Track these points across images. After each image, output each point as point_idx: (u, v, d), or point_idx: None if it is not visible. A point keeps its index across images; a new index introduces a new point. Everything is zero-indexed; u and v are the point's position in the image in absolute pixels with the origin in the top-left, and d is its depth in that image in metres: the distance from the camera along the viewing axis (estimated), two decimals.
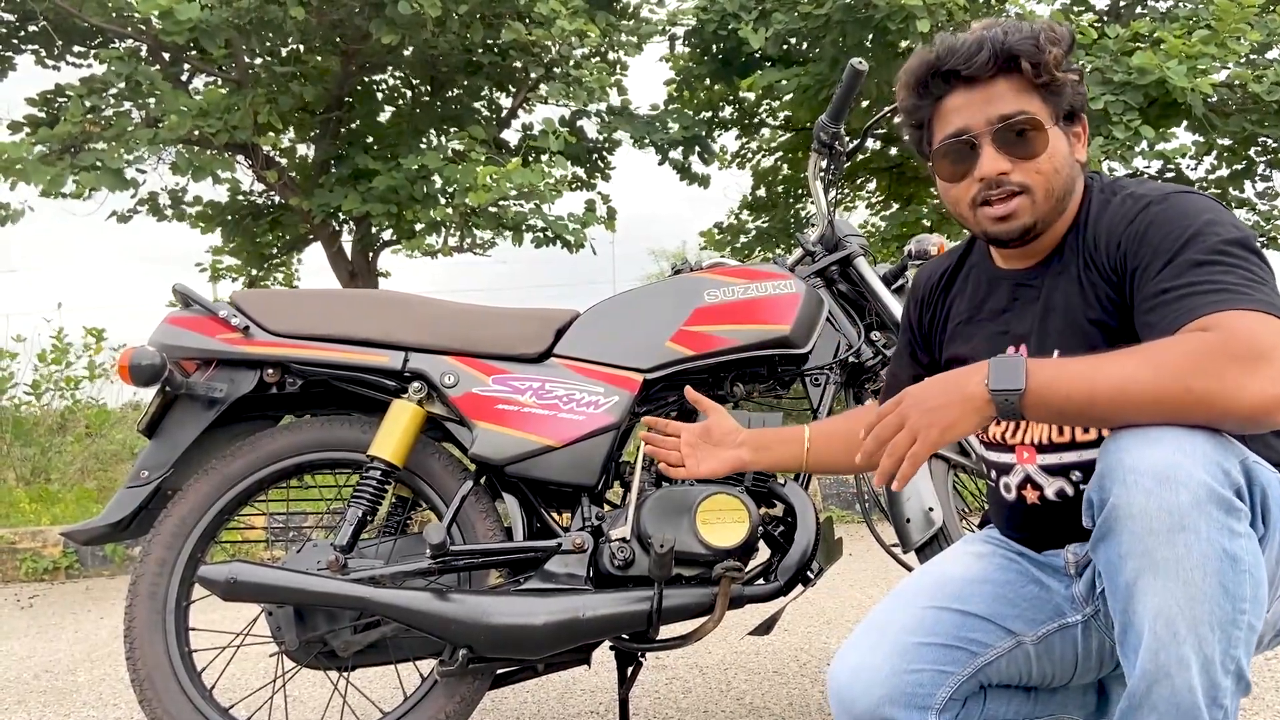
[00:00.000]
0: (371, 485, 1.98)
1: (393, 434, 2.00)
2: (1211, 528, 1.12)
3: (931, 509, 1.94)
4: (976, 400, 1.25)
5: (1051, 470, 1.47)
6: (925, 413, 1.27)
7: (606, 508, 2.10)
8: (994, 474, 1.59)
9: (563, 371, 2.05)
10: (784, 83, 7.56)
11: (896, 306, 2.23)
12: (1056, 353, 1.42)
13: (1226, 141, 7.77)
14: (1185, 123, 7.29)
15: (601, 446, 2.02)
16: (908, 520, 1.96)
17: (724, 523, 1.92)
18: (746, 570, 1.96)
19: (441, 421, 2.07)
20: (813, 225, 2.42)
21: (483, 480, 2.05)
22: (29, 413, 9.86)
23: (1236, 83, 7.01)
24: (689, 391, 1.89)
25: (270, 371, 2.05)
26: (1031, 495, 1.50)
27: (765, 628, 2.01)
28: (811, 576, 1.97)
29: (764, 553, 2.02)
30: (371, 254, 7.17)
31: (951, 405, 1.26)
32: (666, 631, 1.96)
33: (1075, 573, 1.47)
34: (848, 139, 2.29)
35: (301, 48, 7.43)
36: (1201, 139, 7.60)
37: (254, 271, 8.10)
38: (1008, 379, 1.24)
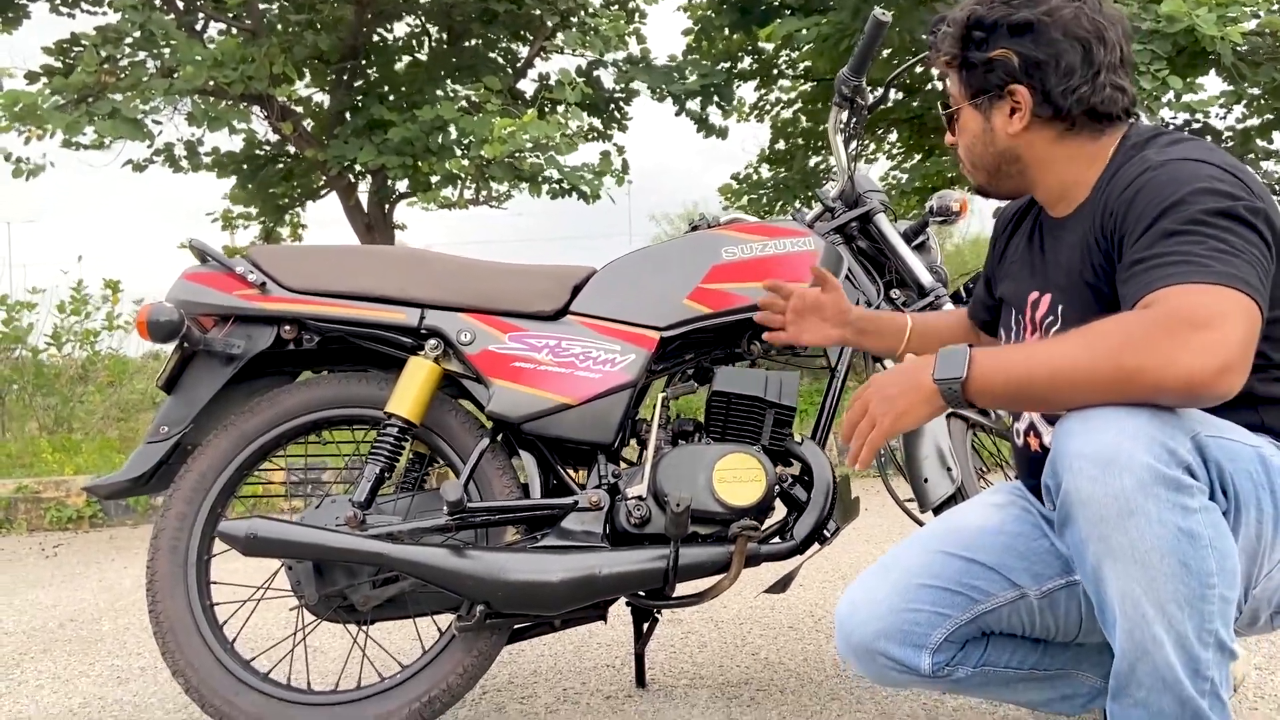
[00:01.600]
0: (389, 442, 1.99)
1: (409, 391, 2.00)
2: (1162, 508, 1.13)
3: (950, 469, 1.94)
4: (925, 390, 1.29)
5: (1050, 419, 1.49)
6: (882, 400, 1.33)
7: (623, 465, 2.10)
8: (1011, 419, 1.60)
9: (579, 329, 2.04)
10: (804, 32, 7.43)
11: (917, 264, 2.21)
12: (1061, 309, 1.43)
13: (1256, 91, 7.61)
14: (1214, 71, 7.14)
15: (618, 404, 2.01)
16: (925, 480, 1.95)
17: (740, 481, 1.92)
18: (763, 529, 1.96)
19: (458, 378, 2.07)
20: (833, 180, 2.39)
21: (499, 437, 2.05)
22: (50, 363, 9.95)
23: (1267, 31, 6.86)
24: (814, 268, 1.87)
25: (287, 328, 2.05)
26: (1034, 443, 1.53)
27: (781, 586, 2.01)
28: (828, 535, 1.97)
29: (780, 511, 2.02)
30: (388, 206, 7.14)
31: (905, 394, 1.31)
32: (682, 589, 1.97)
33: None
34: (869, 92, 2.25)
35: None
36: (1231, 88, 7.45)
37: (269, 222, 8.09)
38: (949, 369, 1.27)
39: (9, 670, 2.72)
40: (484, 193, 7.05)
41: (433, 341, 2.03)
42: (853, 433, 1.36)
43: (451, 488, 1.88)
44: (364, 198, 7.14)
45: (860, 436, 1.34)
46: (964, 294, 2.25)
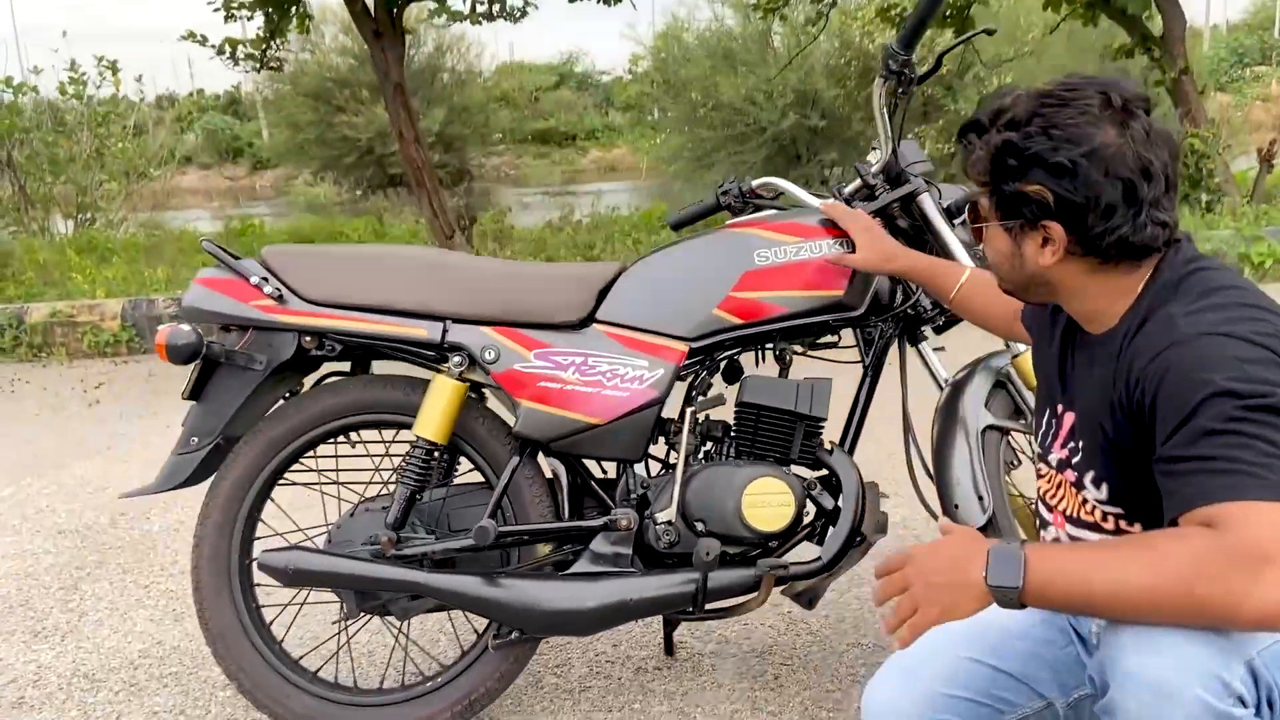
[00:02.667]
0: (418, 464, 1.99)
1: (435, 412, 1.98)
2: None
3: (982, 498, 1.93)
4: (975, 589, 1.23)
5: (1079, 523, 1.46)
6: (928, 587, 1.26)
7: (653, 468, 2.10)
8: (1038, 521, 1.57)
9: (605, 342, 1.99)
10: None
11: (960, 250, 2.10)
12: (1082, 444, 1.38)
13: None
14: None
15: (645, 421, 1.99)
16: (956, 506, 1.95)
17: (769, 506, 1.93)
18: (792, 542, 2.00)
19: (484, 388, 2.05)
20: (875, 150, 2.24)
21: (529, 450, 2.05)
22: (61, 150, 9.84)
23: None
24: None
25: (308, 339, 2.01)
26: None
27: (808, 601, 2.06)
28: (858, 546, 1.99)
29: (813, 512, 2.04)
30: (395, 10, 6.74)
31: (953, 588, 1.24)
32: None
33: (1100, 645, 1.49)
34: (917, 65, 2.06)
35: None
36: None
37: (273, 15, 7.65)
38: (1005, 575, 1.20)
39: (68, 594, 2.87)
40: (496, 5, 6.63)
41: (457, 358, 1.99)
42: (885, 599, 1.33)
43: (483, 532, 1.90)
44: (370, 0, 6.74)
45: (902, 614, 1.31)
46: None
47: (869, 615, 2.50)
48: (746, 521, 1.92)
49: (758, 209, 2.26)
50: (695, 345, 2.00)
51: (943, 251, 2.11)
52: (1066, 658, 1.50)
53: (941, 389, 2.19)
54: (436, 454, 2.01)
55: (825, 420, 2.03)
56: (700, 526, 1.95)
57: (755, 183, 2.27)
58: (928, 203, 2.13)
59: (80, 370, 5.88)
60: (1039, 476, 1.52)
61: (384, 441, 2.16)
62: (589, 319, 2.02)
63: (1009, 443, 2.13)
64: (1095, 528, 1.39)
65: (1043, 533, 1.53)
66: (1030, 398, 2.10)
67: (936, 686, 1.48)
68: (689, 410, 2.02)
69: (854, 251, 1.98)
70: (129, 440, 4.38)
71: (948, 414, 2.06)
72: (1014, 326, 1.79)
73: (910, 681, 1.51)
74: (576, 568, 1.97)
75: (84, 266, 7.49)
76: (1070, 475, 1.41)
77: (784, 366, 2.11)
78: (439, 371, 2.00)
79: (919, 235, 2.17)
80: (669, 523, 1.96)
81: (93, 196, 10.09)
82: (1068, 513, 1.43)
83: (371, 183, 14.68)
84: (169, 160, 12.21)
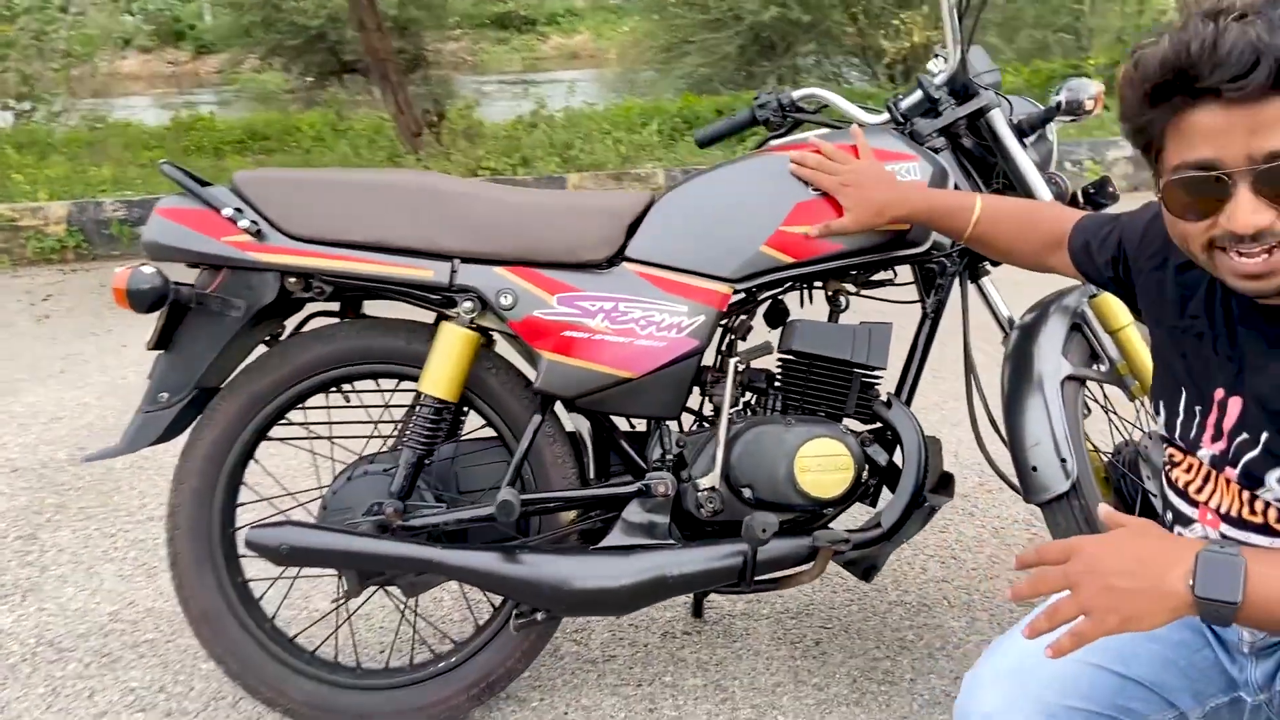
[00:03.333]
0: (425, 424, 1.75)
1: (444, 365, 1.73)
2: None
3: (1065, 460, 1.71)
4: (1175, 599, 1.00)
5: (1235, 522, 1.25)
6: (1104, 591, 1.02)
7: (689, 424, 1.87)
8: (1169, 515, 1.36)
9: (637, 283, 1.73)
10: None
11: (1035, 176, 1.85)
12: (1265, 437, 1.14)
13: None
14: None
15: (684, 373, 1.75)
16: (1035, 469, 1.74)
17: (825, 471, 1.71)
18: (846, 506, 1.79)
19: (499, 335, 1.80)
20: (937, 58, 1.96)
21: (550, 407, 1.80)
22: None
23: None
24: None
25: (293, 280, 1.74)
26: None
27: (866, 573, 1.86)
28: (923, 511, 1.79)
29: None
30: None
31: (1142, 595, 1.01)
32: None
33: (1250, 653, 1.30)
34: None
35: None
36: None
37: None
38: (1222, 587, 0.98)
39: (26, 545, 2.62)
40: None
41: (467, 303, 1.72)
42: (1034, 593, 1.11)
43: (506, 506, 1.67)
44: None
45: (1059, 618, 1.05)
46: (1081, 198, 1.92)
47: (907, 569, 2.32)
48: (801, 488, 1.71)
49: (797, 124, 2.00)
50: (739, 287, 1.76)
51: (1015, 176, 1.86)
52: (1203, 662, 1.31)
53: (1006, 332, 1.97)
54: (446, 413, 1.76)
55: (884, 370, 1.80)
56: (747, 493, 1.73)
57: (797, 94, 1.99)
58: (999, 119, 1.87)
59: (26, 280, 5.50)
60: (1173, 465, 1.30)
61: (382, 391, 1.91)
62: (617, 257, 1.76)
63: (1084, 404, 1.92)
64: (1264, 529, 1.18)
65: (1179, 527, 1.32)
66: (1108, 343, 1.89)
67: (1051, 696, 1.28)
68: (732, 361, 1.78)
69: (922, 184, 1.73)
70: (83, 362, 4.07)
71: (1019, 362, 1.84)
72: (1048, 259, 1.56)
73: (1020, 690, 1.30)
74: (609, 540, 1.75)
75: (24, 164, 7.00)
76: (1231, 472, 1.19)
77: (835, 308, 1.88)
78: (447, 318, 1.74)
79: (984, 156, 1.92)
80: (712, 489, 1.74)
81: (33, 86, 9.46)
82: (1225, 511, 1.22)
83: (323, 69, 13.95)
84: (109, 42, 11.50)
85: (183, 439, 1.81)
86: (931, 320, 1.89)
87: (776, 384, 1.84)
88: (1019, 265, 1.67)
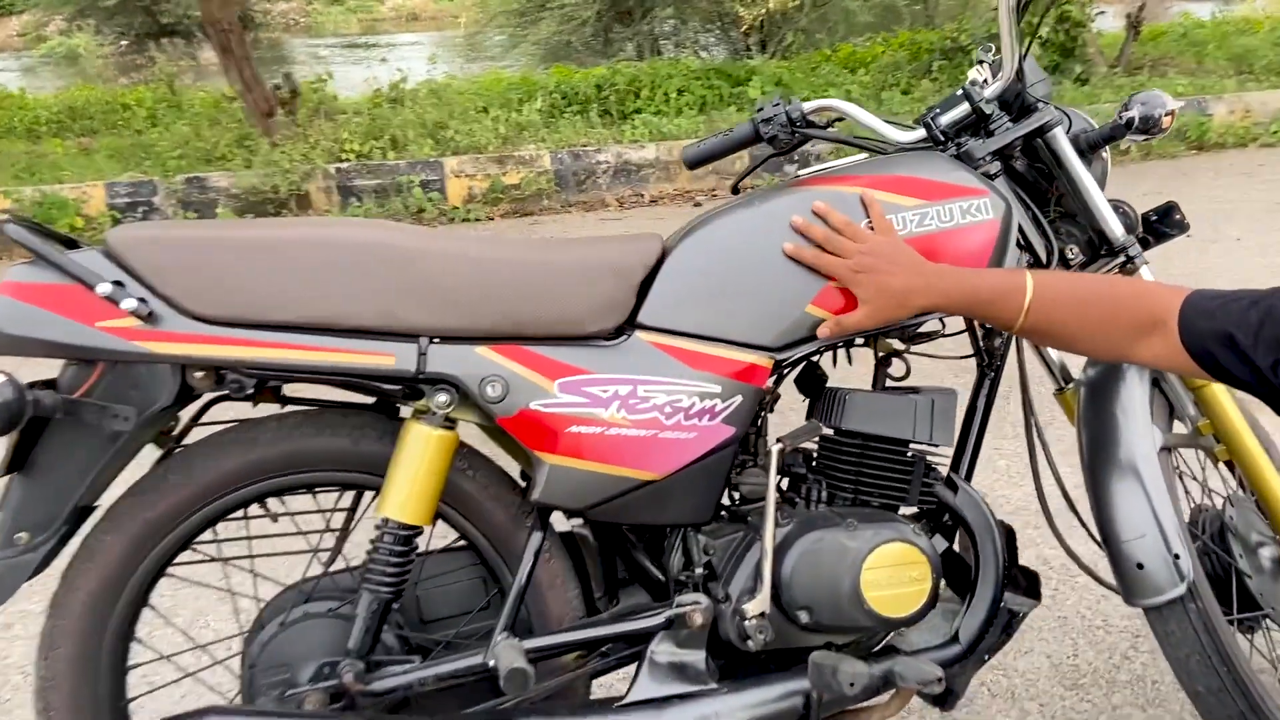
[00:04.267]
0: (392, 561, 1.33)
1: (413, 480, 1.32)
2: None
3: (1178, 556, 1.43)
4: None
5: None
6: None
7: (718, 533, 1.51)
8: None
9: (657, 358, 1.36)
10: None
11: (1105, 206, 1.56)
12: None
13: None
14: None
15: (720, 468, 1.40)
16: (1140, 565, 1.45)
17: (899, 585, 1.38)
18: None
19: (482, 429, 1.40)
20: (984, 64, 1.64)
21: (548, 517, 1.42)
22: None
23: None
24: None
25: (200, 375, 1.29)
26: None
27: (943, 700, 1.54)
28: (1011, 623, 1.49)
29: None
30: None
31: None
32: None
33: None
34: None
35: None
36: None
37: None
38: None
39: None
40: None
41: (442, 396, 1.32)
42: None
43: (514, 676, 1.27)
44: None
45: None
46: (1139, 227, 1.64)
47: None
48: (870, 608, 1.37)
49: (805, 141, 1.65)
50: (781, 357, 1.40)
51: (1079, 205, 1.57)
52: None
53: (1061, 385, 1.69)
54: (416, 540, 1.36)
55: (950, 448, 1.49)
56: (803, 617, 1.39)
57: (809, 106, 1.64)
58: (1062, 139, 1.56)
59: None
60: None
61: (321, 510, 1.48)
62: (628, 325, 1.38)
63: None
64: None
65: None
66: (1186, 399, 1.62)
67: None
68: (774, 447, 1.42)
69: (996, 223, 1.41)
70: None
71: (1100, 430, 1.55)
72: (1134, 348, 1.28)
73: None
74: (637, 692, 1.38)
75: None
76: None
77: (883, 372, 1.55)
78: (416, 417, 1.33)
79: (1037, 181, 1.62)
80: (762, 615, 1.39)
81: None
82: None
83: (140, 32, 12.77)
84: None
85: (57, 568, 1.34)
86: (993, 378, 1.58)
87: (817, 466, 1.50)
88: (1088, 356, 1.39)
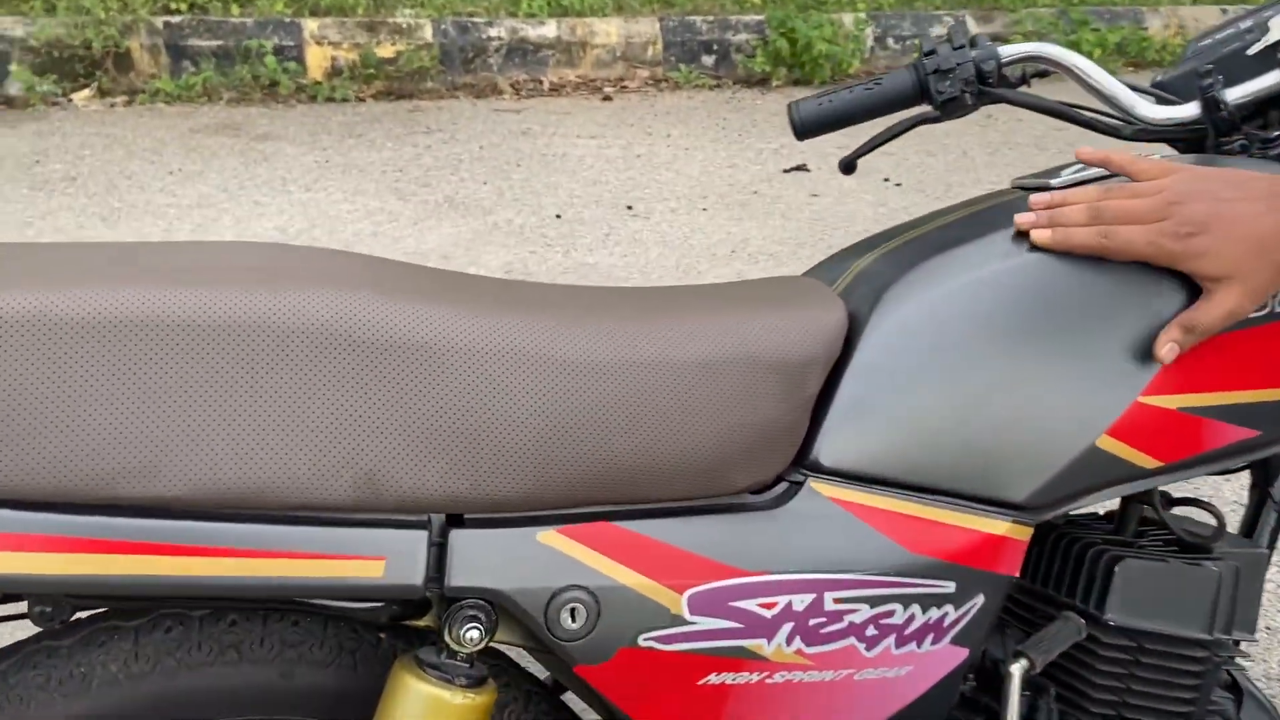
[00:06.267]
0: None
1: None
2: None
3: None
4: None
5: None
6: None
7: None
8: None
9: (849, 531, 0.76)
10: None
11: None
12: None
13: None
14: None
15: (941, 703, 0.82)
16: None
17: None
18: None
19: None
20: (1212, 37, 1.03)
21: None
22: None
23: None
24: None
25: None
26: None
27: None
28: None
29: None
30: None
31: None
32: None
33: None
34: None
35: None
36: None
37: None
38: None
39: None
40: None
41: (471, 632, 0.68)
42: None
43: None
44: None
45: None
46: None
47: None
48: None
49: (988, 102, 1.05)
50: (1046, 518, 0.82)
51: None
52: None
53: None
54: None
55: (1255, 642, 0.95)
56: None
57: (1009, 52, 1.03)
58: None
59: None
60: None
61: None
62: (800, 463, 0.76)
63: None
64: None
65: None
66: None
67: None
68: (1016, 668, 0.84)
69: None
70: None
71: None
72: None
73: None
74: None
75: None
76: None
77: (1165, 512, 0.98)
78: (418, 668, 0.69)
79: None
80: None
81: None
82: None
83: None
84: None
85: None
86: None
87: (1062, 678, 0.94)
88: None
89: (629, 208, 3.54)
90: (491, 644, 0.70)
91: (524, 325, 0.69)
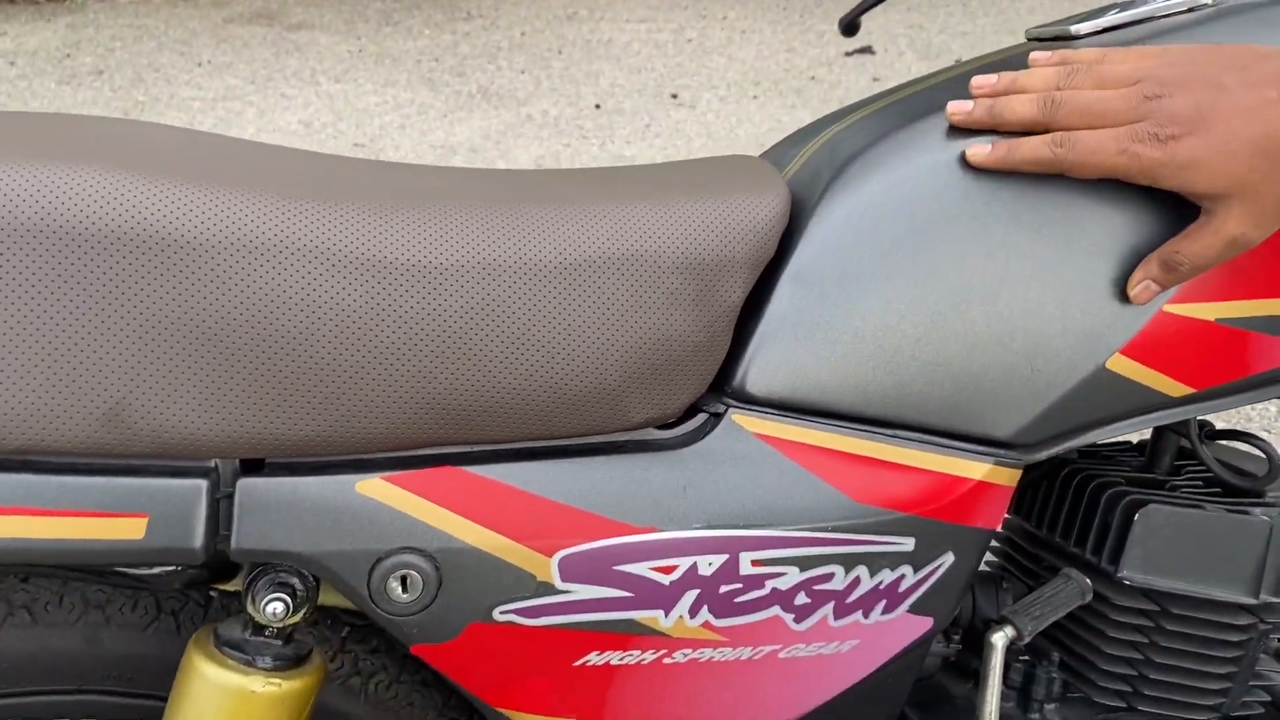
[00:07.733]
0: None
1: None
2: None
3: None
4: None
5: None
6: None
7: None
8: None
9: (777, 476, 0.60)
10: None
11: None
12: None
13: None
14: None
15: (895, 689, 0.67)
16: None
17: None
18: None
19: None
20: None
21: None
22: None
23: None
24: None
25: None
26: None
27: None
28: None
29: None
30: None
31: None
32: None
33: None
34: None
35: None
36: None
37: None
38: None
39: None
40: None
41: (274, 605, 0.54)
42: None
43: None
44: None
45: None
46: None
47: None
48: None
49: None
50: (1037, 456, 0.65)
51: None
52: None
53: None
54: None
55: None
56: None
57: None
58: None
59: None
60: None
61: None
62: (714, 395, 0.61)
63: None
64: None
65: None
66: None
67: None
68: (998, 637, 0.68)
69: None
70: None
71: None
72: None
73: None
74: None
75: None
76: None
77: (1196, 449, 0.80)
78: (216, 650, 0.56)
79: None
80: None
81: None
82: None
83: None
84: None
85: None
86: None
87: (1064, 642, 0.78)
88: None
89: (674, 96, 3.32)
90: (293, 634, 0.57)
91: (344, 216, 0.54)
